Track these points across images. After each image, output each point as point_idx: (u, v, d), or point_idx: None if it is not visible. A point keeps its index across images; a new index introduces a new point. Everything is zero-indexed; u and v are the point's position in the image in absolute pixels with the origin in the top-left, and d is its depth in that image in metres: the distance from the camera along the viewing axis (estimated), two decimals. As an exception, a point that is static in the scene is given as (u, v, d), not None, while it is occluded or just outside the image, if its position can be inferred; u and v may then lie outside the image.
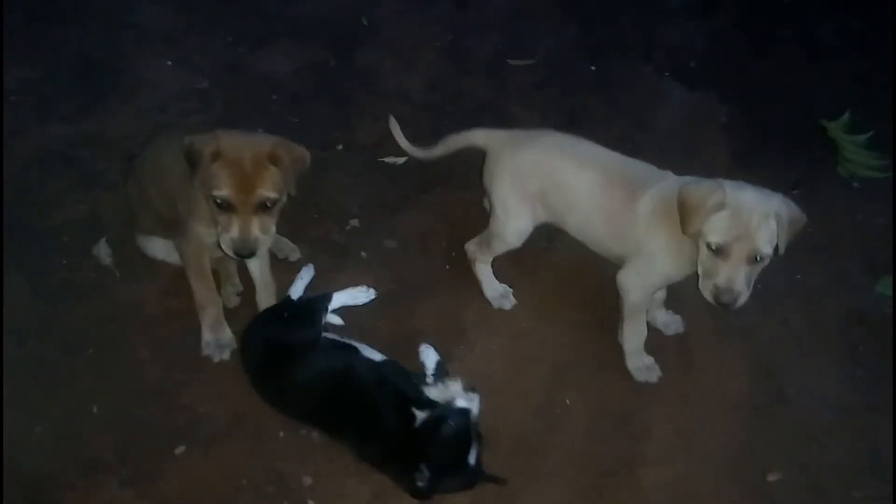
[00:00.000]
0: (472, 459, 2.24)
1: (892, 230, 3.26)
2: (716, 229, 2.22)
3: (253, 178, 2.25)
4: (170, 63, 3.73)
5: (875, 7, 4.53)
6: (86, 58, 3.67)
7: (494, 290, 2.92)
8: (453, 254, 3.06)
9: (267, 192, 2.27)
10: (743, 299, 2.29)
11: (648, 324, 2.73)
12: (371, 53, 4.00)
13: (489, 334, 2.79)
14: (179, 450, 2.38)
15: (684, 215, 2.27)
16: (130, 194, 2.76)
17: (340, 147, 3.47)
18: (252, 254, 2.34)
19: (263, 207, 2.30)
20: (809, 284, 3.07)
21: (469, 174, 3.38)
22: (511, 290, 2.93)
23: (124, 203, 2.91)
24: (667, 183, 2.46)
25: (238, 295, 2.80)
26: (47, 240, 2.87)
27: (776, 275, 3.05)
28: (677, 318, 2.88)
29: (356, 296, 2.72)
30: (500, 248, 2.82)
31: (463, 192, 3.31)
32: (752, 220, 2.19)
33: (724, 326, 2.90)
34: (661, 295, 2.81)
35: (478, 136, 2.80)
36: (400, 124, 3.59)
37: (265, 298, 2.71)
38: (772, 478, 2.48)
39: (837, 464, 2.53)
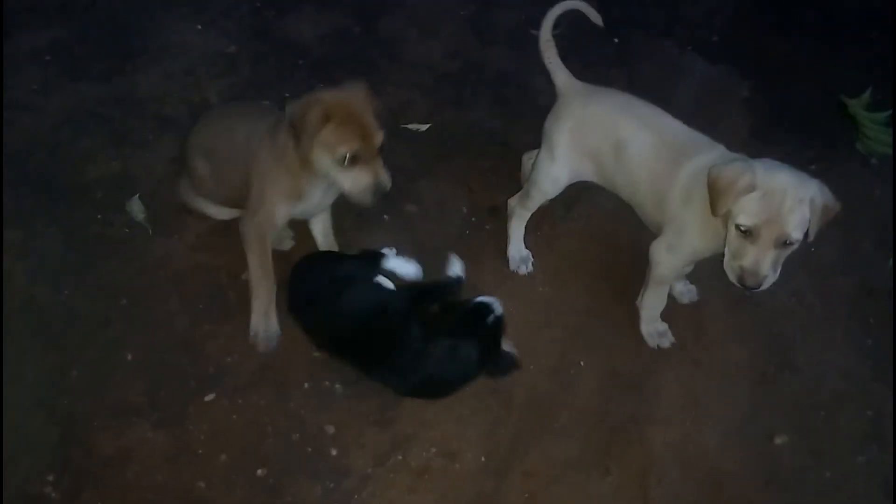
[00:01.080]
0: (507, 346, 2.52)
1: (906, 207, 3.31)
2: (746, 211, 2.18)
3: (369, 125, 2.38)
4: (199, 27, 3.79)
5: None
6: (115, 20, 3.74)
7: (518, 251, 2.99)
8: (473, 219, 3.14)
9: (381, 133, 2.42)
10: (768, 283, 2.26)
11: (665, 292, 2.79)
12: (395, 22, 4.04)
13: (506, 297, 2.82)
14: (209, 397, 2.48)
15: (713, 196, 2.23)
16: (196, 167, 2.76)
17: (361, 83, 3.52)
18: (386, 193, 2.49)
19: (381, 148, 2.45)
20: (823, 258, 3.12)
21: (487, 143, 3.47)
22: (532, 258, 3.00)
23: (157, 159, 3.01)
24: (712, 155, 2.43)
25: (292, 239, 2.89)
26: (81, 195, 2.95)
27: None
28: (692, 287, 2.94)
29: (405, 267, 2.77)
30: (536, 196, 2.84)
31: (482, 160, 3.38)
32: (784, 203, 2.14)
33: (737, 296, 2.96)
34: (688, 268, 2.82)
35: (560, 77, 2.80)
36: (421, 92, 3.68)
37: (327, 237, 2.89)
38: (778, 440, 2.56)
39: (842, 429, 2.61)
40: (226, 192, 2.73)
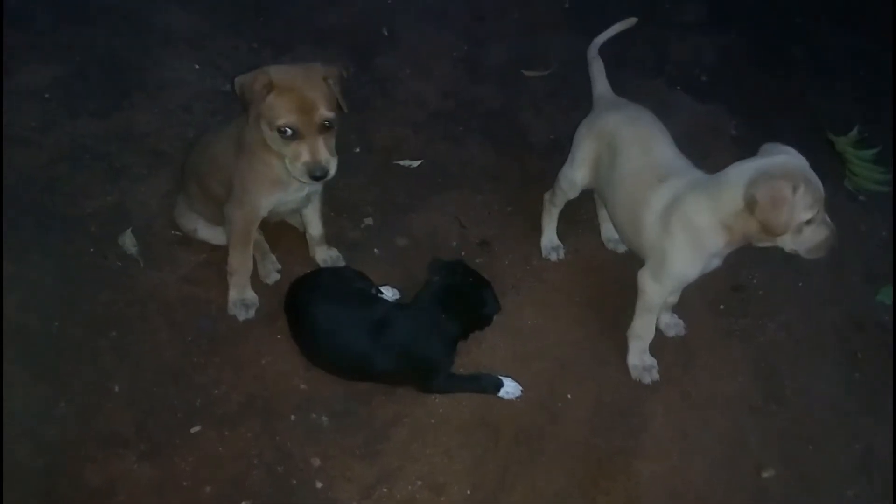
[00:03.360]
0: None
1: (893, 242, 3.33)
2: (806, 206, 2.26)
3: (311, 99, 2.38)
4: (197, 66, 3.87)
5: (884, 26, 4.61)
6: (114, 58, 3.81)
7: (549, 240, 3.17)
8: (463, 253, 3.16)
9: (326, 111, 2.41)
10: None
11: (650, 324, 2.81)
12: (389, 61, 4.12)
13: (494, 330, 2.86)
14: (195, 429, 2.48)
15: (773, 224, 2.25)
16: (188, 187, 2.91)
17: (357, 150, 3.58)
18: (325, 174, 2.46)
19: (324, 128, 2.44)
20: (811, 291, 3.14)
21: (478, 178, 3.52)
22: (563, 247, 3.16)
23: (151, 192, 3.07)
24: (685, 178, 2.49)
25: (278, 272, 2.94)
26: (75, 228, 2.98)
27: (778, 281, 3.15)
28: (680, 321, 2.96)
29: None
30: (559, 195, 3.03)
31: (473, 195, 3.42)
32: (815, 177, 2.30)
33: (725, 329, 2.98)
34: (674, 298, 2.87)
35: (597, 87, 2.99)
36: (414, 129, 3.74)
37: (320, 251, 2.97)
38: (766, 474, 2.55)
39: (831, 463, 2.60)
40: (215, 208, 2.79)
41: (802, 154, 2.34)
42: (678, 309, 2.95)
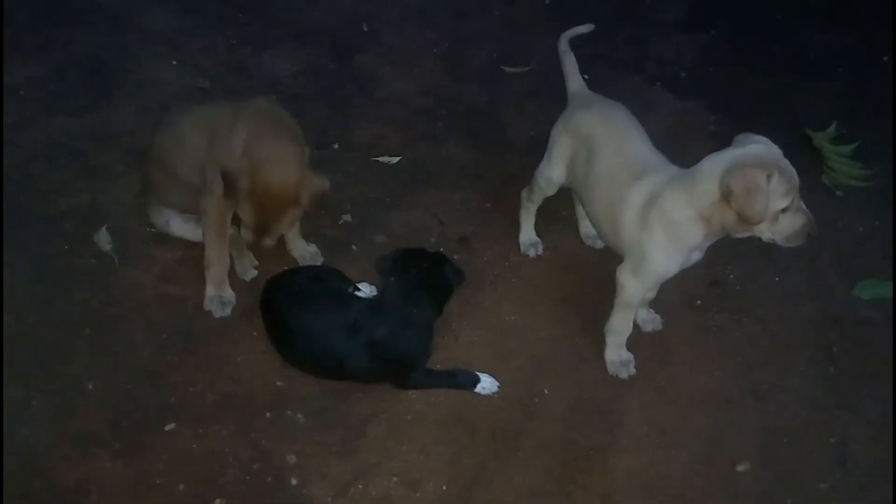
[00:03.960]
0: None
1: (870, 238, 3.36)
2: (780, 194, 2.25)
3: (272, 220, 2.54)
4: (174, 63, 3.86)
5: (863, 24, 4.64)
6: (92, 57, 3.79)
7: (528, 236, 3.18)
8: (441, 249, 3.15)
9: (283, 230, 2.66)
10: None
11: (627, 319, 2.82)
12: (369, 59, 4.12)
13: (472, 326, 2.88)
14: (169, 426, 2.47)
15: (746, 212, 2.25)
16: (155, 175, 2.87)
17: (336, 146, 3.58)
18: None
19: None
20: (787, 287, 3.15)
21: (458, 176, 3.52)
22: (542, 243, 3.18)
23: (127, 192, 3.04)
24: (659, 177, 2.48)
25: (255, 269, 2.93)
26: (50, 226, 2.97)
27: (755, 277, 3.17)
28: (657, 316, 2.96)
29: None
30: (537, 191, 3.03)
31: (453, 192, 3.42)
32: (786, 164, 2.28)
33: (702, 324, 2.99)
34: (651, 294, 2.87)
35: (572, 84, 2.97)
36: (393, 127, 3.73)
37: (297, 247, 2.99)
38: (740, 468, 2.55)
39: (805, 457, 2.60)
40: (184, 194, 2.79)
41: (780, 148, 2.35)
42: (655, 304, 2.96)
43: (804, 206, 2.34)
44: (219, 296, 2.78)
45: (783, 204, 2.27)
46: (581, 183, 2.76)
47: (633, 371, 2.78)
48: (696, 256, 2.53)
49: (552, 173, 2.90)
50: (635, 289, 2.62)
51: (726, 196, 2.27)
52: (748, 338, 2.96)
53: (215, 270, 2.77)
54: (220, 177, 2.49)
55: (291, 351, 2.61)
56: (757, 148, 2.32)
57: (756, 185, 2.22)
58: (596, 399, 2.71)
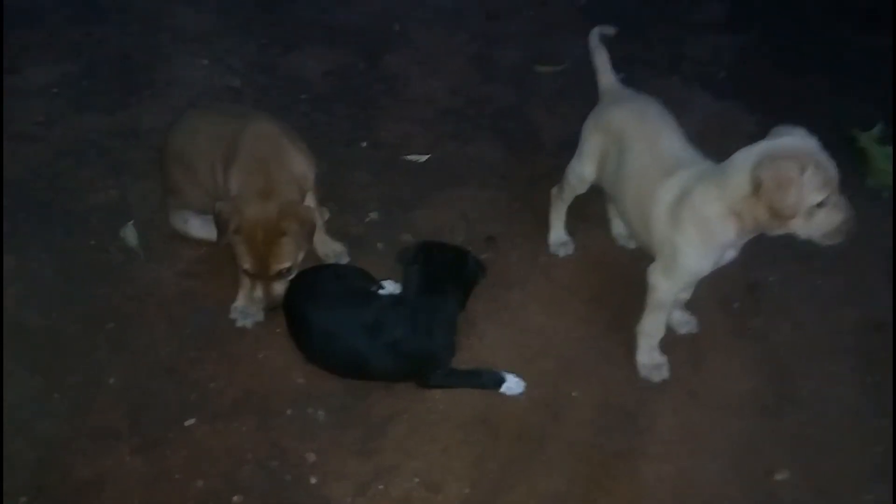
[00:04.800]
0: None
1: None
2: (815, 188, 2.12)
3: (267, 254, 2.52)
4: (205, 62, 3.87)
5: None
6: (124, 56, 3.83)
7: (558, 236, 3.09)
8: (469, 248, 3.09)
9: (280, 264, 2.55)
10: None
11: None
12: (399, 59, 4.09)
13: (498, 327, 2.81)
14: (189, 422, 2.43)
15: (777, 206, 2.14)
16: (174, 175, 2.84)
17: (364, 145, 3.54)
18: (277, 307, 2.65)
19: (281, 273, 2.57)
20: (828, 291, 3.03)
21: (487, 175, 3.45)
22: (572, 243, 3.09)
23: (154, 188, 3.03)
24: (693, 170, 2.40)
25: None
26: (77, 222, 2.98)
27: (795, 280, 3.05)
28: (692, 318, 2.86)
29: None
30: (567, 188, 2.95)
31: (481, 192, 3.36)
32: (823, 157, 2.14)
33: (738, 328, 2.88)
34: (686, 295, 2.77)
35: (603, 79, 2.88)
36: (422, 126, 3.69)
37: (322, 245, 2.93)
38: (778, 476, 2.44)
39: (847, 467, 2.47)
40: (201, 194, 2.76)
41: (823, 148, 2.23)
42: (690, 307, 2.85)
43: (844, 202, 2.21)
44: (245, 307, 2.74)
45: (818, 198, 2.15)
46: (612, 180, 2.68)
47: (666, 375, 2.68)
48: (731, 255, 2.43)
49: (583, 170, 2.82)
50: (667, 289, 2.53)
51: (757, 189, 2.16)
52: (786, 343, 2.84)
53: (246, 281, 2.72)
54: (214, 218, 2.52)
55: (313, 349, 2.57)
56: (791, 140, 2.21)
57: (788, 177, 2.11)
58: (625, 403, 2.62)
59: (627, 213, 2.64)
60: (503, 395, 2.59)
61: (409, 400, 2.55)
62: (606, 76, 2.87)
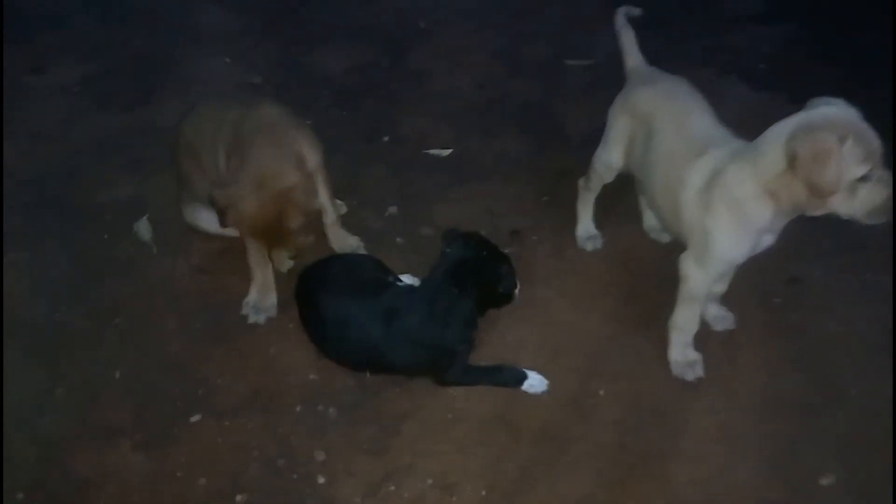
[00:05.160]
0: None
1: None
2: (856, 161, 1.94)
3: (279, 240, 2.49)
4: (228, 60, 3.82)
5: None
6: (147, 55, 3.81)
7: (585, 229, 2.95)
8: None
9: (288, 243, 2.53)
10: None
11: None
12: (424, 55, 4.00)
13: (522, 323, 2.66)
14: (194, 418, 2.34)
15: (815, 180, 1.97)
16: (184, 166, 2.78)
17: (386, 139, 3.45)
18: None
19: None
20: (878, 285, 2.81)
21: (512, 170, 3.32)
22: (601, 237, 2.94)
23: (169, 184, 2.97)
24: (724, 149, 2.23)
25: (292, 260, 2.76)
26: (91, 217, 2.94)
27: (841, 273, 2.86)
28: (730, 314, 2.68)
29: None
30: (594, 178, 2.82)
31: (506, 186, 3.24)
32: (864, 128, 1.97)
33: (780, 323, 2.69)
34: (721, 287, 2.60)
35: (630, 60, 2.74)
36: (445, 120, 3.58)
37: (337, 238, 2.85)
38: (824, 481, 2.24)
39: (899, 470, 2.27)
40: (209, 184, 2.65)
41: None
42: (727, 301, 2.68)
43: (889, 177, 2.01)
44: (257, 301, 2.65)
45: (860, 172, 1.96)
46: (640, 166, 2.54)
47: (700, 373, 2.51)
48: (768, 241, 2.25)
49: (610, 157, 2.69)
50: (700, 280, 2.36)
51: (793, 164, 1.99)
52: (832, 339, 2.64)
53: (257, 275, 2.65)
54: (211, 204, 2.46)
55: (326, 341, 2.46)
56: (829, 109, 2.03)
57: (825, 149, 1.93)
58: (656, 402, 2.45)
59: (656, 200, 2.48)
60: (525, 393, 2.44)
61: (425, 397, 2.42)
62: (633, 57, 2.72)
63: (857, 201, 2.02)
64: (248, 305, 2.64)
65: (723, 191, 2.17)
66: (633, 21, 2.80)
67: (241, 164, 2.44)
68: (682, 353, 2.52)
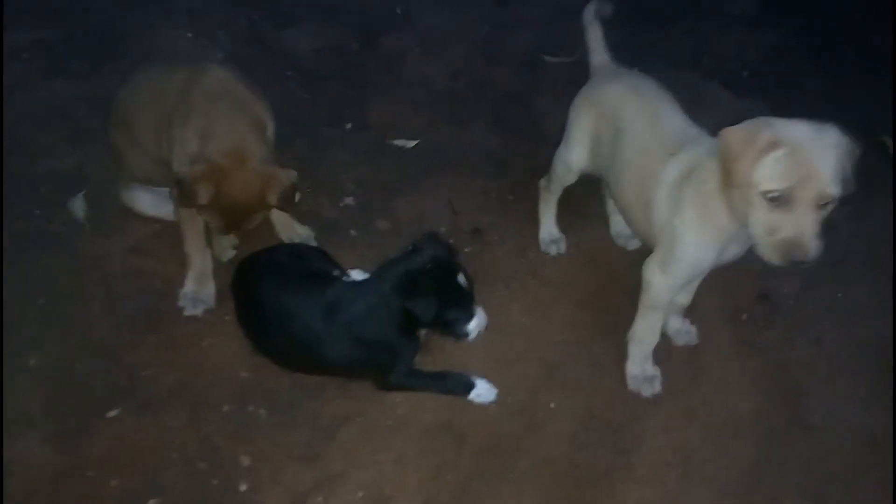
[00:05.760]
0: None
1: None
2: (773, 173, 1.80)
3: (243, 220, 2.32)
4: (190, 35, 3.63)
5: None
6: (107, 24, 3.60)
7: (548, 232, 2.82)
8: (452, 240, 2.79)
9: (255, 222, 2.38)
10: (817, 252, 1.83)
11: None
12: (398, 41, 3.82)
13: (477, 326, 2.51)
14: (112, 413, 2.18)
15: (728, 163, 1.87)
16: (116, 140, 2.59)
17: (349, 126, 3.28)
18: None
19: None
20: (850, 304, 2.70)
21: (480, 163, 3.17)
22: (565, 240, 2.81)
23: (110, 156, 2.79)
24: (699, 147, 2.11)
25: (234, 249, 2.63)
26: (25, 189, 2.75)
27: (813, 291, 2.73)
28: (693, 329, 2.55)
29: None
30: (555, 178, 2.69)
31: (472, 180, 3.09)
32: (814, 157, 1.78)
33: (747, 341, 2.57)
34: (685, 299, 2.48)
35: (595, 57, 2.62)
36: (415, 109, 3.41)
37: (285, 225, 2.70)
38: (783, 510, 2.12)
39: (863, 500, 2.15)
40: (143, 159, 2.51)
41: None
42: (693, 316, 2.54)
43: (810, 223, 1.82)
44: (194, 292, 2.47)
45: (769, 185, 1.80)
46: (608, 165, 2.39)
47: (657, 389, 2.38)
48: (735, 251, 2.11)
49: (570, 156, 2.56)
50: (664, 286, 2.22)
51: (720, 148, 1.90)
52: (800, 359, 2.52)
53: (195, 263, 2.48)
54: (176, 184, 2.24)
55: (262, 334, 2.29)
56: (808, 127, 1.84)
57: (748, 140, 1.82)
58: (610, 416, 2.31)
59: (626, 200, 2.34)
60: (472, 402, 2.29)
61: (365, 402, 2.27)
62: (599, 54, 2.61)
63: (755, 219, 1.87)
64: (186, 297, 2.47)
65: (694, 187, 2.06)
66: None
67: (206, 136, 2.24)
68: (640, 367, 2.39)
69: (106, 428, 2.13)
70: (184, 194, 2.22)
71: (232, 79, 2.37)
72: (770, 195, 1.81)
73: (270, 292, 2.26)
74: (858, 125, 3.40)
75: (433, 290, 2.11)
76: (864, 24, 4.25)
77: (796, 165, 1.78)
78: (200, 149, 2.24)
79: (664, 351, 2.46)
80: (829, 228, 2.91)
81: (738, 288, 2.72)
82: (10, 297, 2.40)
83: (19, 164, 2.84)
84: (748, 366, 2.49)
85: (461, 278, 2.16)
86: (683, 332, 2.53)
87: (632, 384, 2.38)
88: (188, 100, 2.28)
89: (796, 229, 1.81)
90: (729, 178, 1.89)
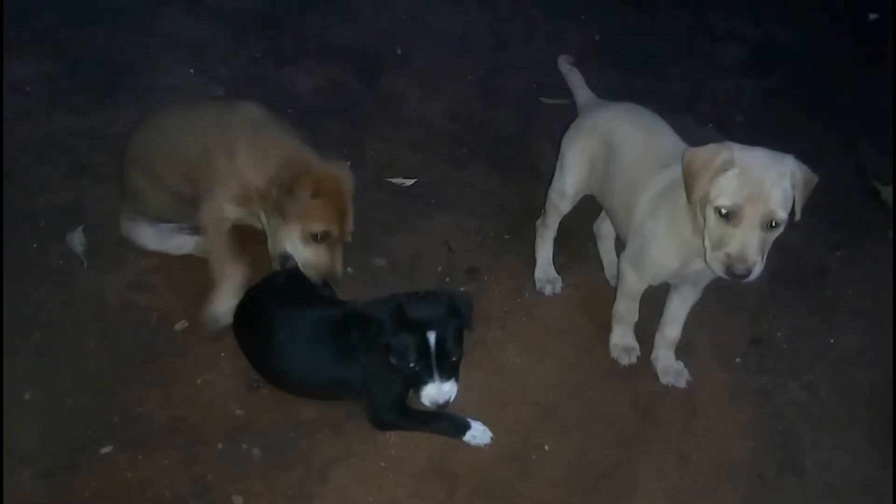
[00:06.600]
0: None
1: None
2: (725, 190, 1.98)
3: (344, 213, 2.45)
4: (191, 71, 3.67)
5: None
6: (109, 59, 3.64)
7: (544, 271, 2.86)
8: (447, 279, 2.83)
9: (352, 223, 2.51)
10: (758, 270, 2.01)
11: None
12: (398, 81, 3.87)
13: (470, 366, 2.50)
14: (105, 449, 2.16)
15: (689, 179, 2.05)
16: (134, 181, 2.64)
17: (348, 164, 3.29)
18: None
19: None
20: (843, 350, 2.73)
21: (477, 204, 3.20)
22: (561, 281, 2.84)
23: (112, 192, 2.82)
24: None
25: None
26: (24, 222, 2.76)
27: (806, 336, 2.76)
28: (682, 369, 2.57)
29: None
30: (551, 212, 2.77)
31: (469, 220, 3.11)
32: (765, 179, 1.96)
33: (739, 386, 2.58)
34: (673, 333, 2.53)
35: (580, 95, 2.82)
36: (413, 148, 3.45)
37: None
38: (775, 559, 2.11)
39: (855, 553, 2.15)
40: (165, 198, 2.60)
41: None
42: (685, 360, 2.56)
43: (755, 241, 1.98)
44: (225, 313, 2.46)
45: (722, 202, 1.98)
46: (601, 180, 2.53)
47: (634, 360, 2.56)
48: (700, 266, 2.20)
49: (564, 183, 2.66)
50: (634, 280, 2.41)
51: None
52: (793, 405, 2.54)
53: (231, 280, 2.48)
54: (275, 194, 2.35)
55: (266, 353, 2.31)
56: (771, 153, 2.04)
57: (708, 158, 2.00)
58: (605, 461, 2.31)
59: (614, 204, 2.50)
60: (466, 444, 2.29)
61: (358, 442, 2.27)
62: (583, 92, 2.81)
63: (706, 230, 2.05)
64: (213, 314, 2.46)
65: (670, 202, 2.22)
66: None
67: (262, 158, 2.40)
68: (621, 338, 2.58)
69: (99, 464, 2.12)
70: (285, 199, 2.33)
71: (264, 110, 2.55)
72: (721, 209, 1.98)
73: (279, 314, 2.31)
74: (851, 169, 3.54)
75: (413, 329, 2.14)
76: (858, 70, 4.34)
77: (747, 185, 1.96)
78: (265, 170, 2.39)
79: (659, 395, 2.48)
80: (821, 273, 3.02)
81: (730, 331, 2.75)
82: (6, 330, 2.40)
83: (18, 197, 2.85)
84: (741, 411, 2.50)
85: (449, 344, 2.15)
86: (672, 371, 2.55)
87: (613, 352, 2.58)
88: (228, 134, 2.42)
89: (741, 244, 1.98)
90: (690, 194, 2.04)
